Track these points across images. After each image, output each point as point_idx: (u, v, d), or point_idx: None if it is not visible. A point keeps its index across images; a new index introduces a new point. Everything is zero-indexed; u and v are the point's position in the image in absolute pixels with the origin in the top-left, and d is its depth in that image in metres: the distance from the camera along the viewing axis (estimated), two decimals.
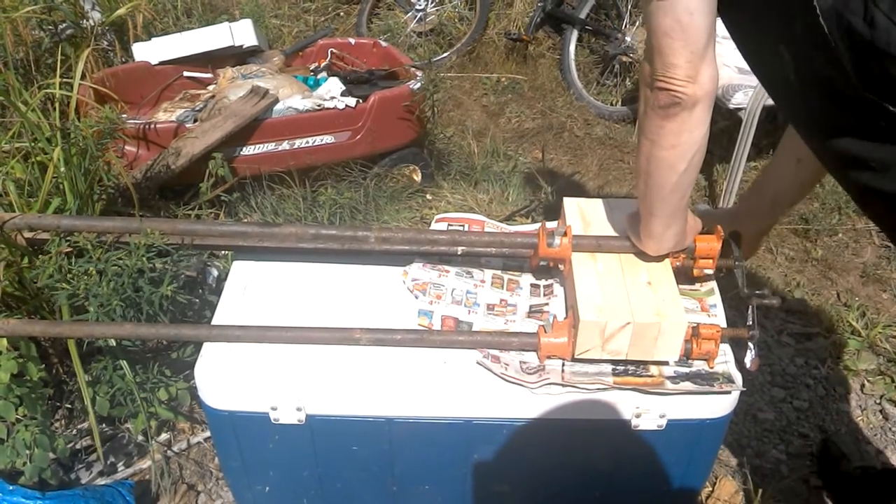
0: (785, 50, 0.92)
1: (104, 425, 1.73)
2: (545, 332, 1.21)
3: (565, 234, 1.26)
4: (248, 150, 2.31)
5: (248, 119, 2.24)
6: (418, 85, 2.45)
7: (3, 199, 1.67)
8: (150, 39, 2.74)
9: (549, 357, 1.22)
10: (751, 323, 1.22)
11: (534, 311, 1.33)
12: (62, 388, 1.74)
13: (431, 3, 3.84)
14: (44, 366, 1.54)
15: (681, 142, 1.02)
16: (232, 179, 2.12)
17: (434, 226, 1.52)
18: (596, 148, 3.22)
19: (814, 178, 1.28)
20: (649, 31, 0.96)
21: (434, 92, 2.50)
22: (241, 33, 2.77)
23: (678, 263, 1.28)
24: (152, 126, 2.22)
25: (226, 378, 1.20)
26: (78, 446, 1.70)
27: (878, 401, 2.00)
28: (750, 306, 1.23)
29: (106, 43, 2.91)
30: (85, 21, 2.83)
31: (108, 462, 1.69)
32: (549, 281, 1.40)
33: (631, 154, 3.14)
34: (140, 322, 1.50)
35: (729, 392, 1.19)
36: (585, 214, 1.38)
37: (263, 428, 1.23)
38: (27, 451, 1.42)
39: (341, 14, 4.07)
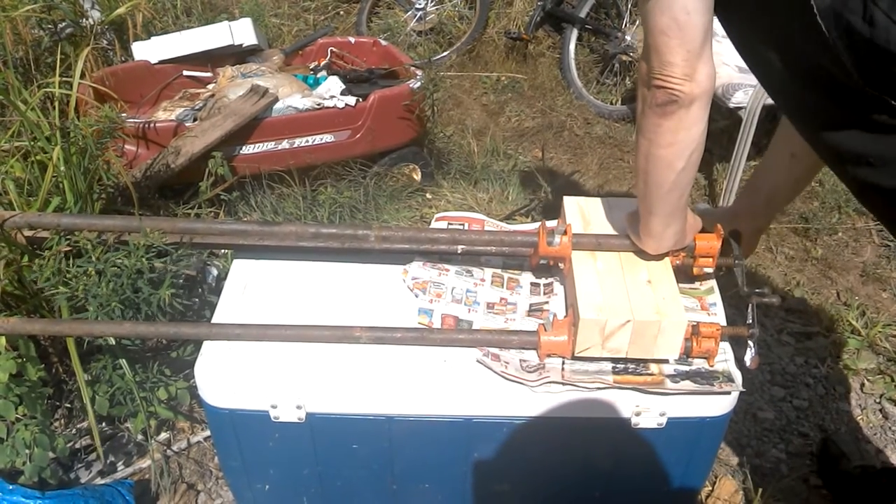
0: (783, 48, 0.92)
1: (104, 425, 1.73)
2: (545, 330, 1.21)
3: (565, 232, 1.26)
4: (248, 149, 2.31)
5: (248, 118, 2.24)
6: (418, 84, 2.45)
7: (2, 199, 1.67)
8: (149, 38, 2.73)
9: (549, 355, 1.22)
10: (751, 321, 1.22)
11: (534, 310, 1.33)
12: (62, 387, 1.74)
13: (431, 2, 3.84)
14: (43, 365, 1.54)
15: (678, 140, 1.02)
16: (231, 178, 2.12)
17: (434, 225, 1.51)
18: (596, 147, 3.22)
19: (808, 174, 1.28)
20: (646, 29, 0.96)
21: (434, 91, 2.50)
22: (241, 32, 2.77)
23: (678, 262, 1.28)
24: (152, 125, 2.22)
25: (226, 376, 1.20)
26: (77, 446, 1.70)
27: (877, 400, 2.00)
28: (750, 305, 1.23)
29: (105, 42, 2.91)
30: (84, 20, 2.82)
31: (108, 461, 1.69)
32: (549, 279, 1.40)
33: (630, 153, 3.14)
34: (139, 321, 1.50)
35: (729, 391, 1.19)
36: (585, 213, 1.38)
37: (263, 426, 1.23)
38: (27, 451, 1.42)
39: (341, 13, 4.07)
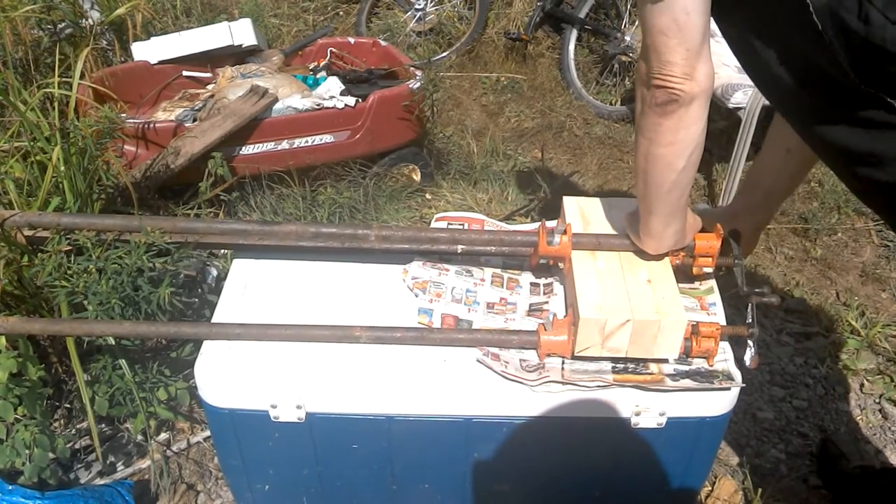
0: (779, 47, 0.93)
1: (103, 425, 1.73)
2: (545, 329, 1.21)
3: (565, 232, 1.26)
4: (248, 150, 2.31)
5: (248, 118, 2.24)
6: (418, 84, 2.45)
7: (2, 198, 1.67)
8: (149, 39, 2.73)
9: (548, 355, 1.22)
10: (750, 321, 1.22)
11: (534, 310, 1.33)
12: (61, 387, 1.74)
13: (431, 2, 3.84)
14: (43, 365, 1.54)
15: (678, 139, 1.02)
16: (231, 179, 2.12)
17: (434, 225, 1.52)
18: (595, 147, 3.22)
19: (804, 168, 1.29)
20: (645, 29, 0.96)
21: (433, 91, 2.50)
22: (241, 32, 2.77)
23: (678, 262, 1.28)
24: (151, 125, 2.22)
25: (226, 376, 1.20)
26: (77, 446, 1.70)
27: (877, 400, 2.00)
28: (749, 304, 1.23)
29: (105, 42, 2.91)
30: (84, 20, 2.83)
31: (108, 462, 1.69)
32: (549, 279, 1.40)
33: (630, 153, 3.15)
34: (139, 320, 1.50)
35: (728, 390, 1.19)
36: (585, 213, 1.38)
37: (263, 426, 1.23)
38: (26, 451, 1.42)
39: (340, 13, 4.07)
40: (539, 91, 3.63)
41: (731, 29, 1.00)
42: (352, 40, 2.95)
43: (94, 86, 2.27)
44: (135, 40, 2.76)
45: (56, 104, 1.94)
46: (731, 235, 1.30)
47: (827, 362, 2.10)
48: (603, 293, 1.19)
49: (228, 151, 2.23)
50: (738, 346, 1.25)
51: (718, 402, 1.21)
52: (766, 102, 2.41)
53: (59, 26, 2.79)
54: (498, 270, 1.42)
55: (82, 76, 2.08)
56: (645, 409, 1.19)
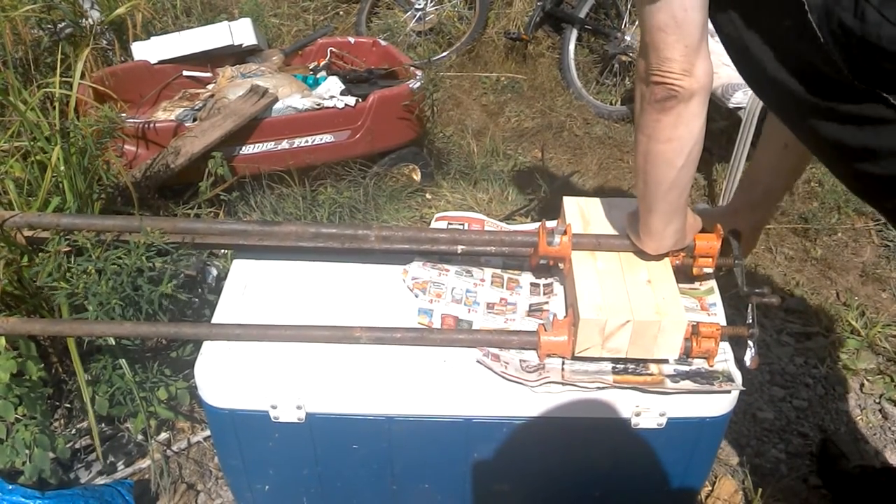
0: (773, 45, 0.94)
1: (103, 425, 1.73)
2: (545, 330, 1.21)
3: (565, 232, 1.26)
4: (248, 149, 2.31)
5: (248, 118, 2.24)
6: (418, 84, 2.45)
7: (2, 199, 1.67)
8: (149, 38, 2.73)
9: (549, 355, 1.22)
10: (750, 321, 1.22)
11: (534, 310, 1.33)
12: (61, 387, 1.74)
13: (431, 2, 3.84)
14: (43, 365, 1.54)
15: (678, 135, 1.02)
16: (231, 178, 2.12)
17: (434, 225, 1.52)
18: (595, 147, 3.22)
19: (801, 163, 1.29)
20: (644, 27, 0.96)
21: (433, 91, 2.50)
22: (241, 32, 2.77)
23: (678, 262, 1.28)
24: (152, 125, 2.22)
25: (226, 376, 1.20)
26: (77, 446, 1.70)
27: (877, 400, 2.00)
28: (749, 305, 1.23)
29: (105, 42, 2.91)
30: (84, 20, 2.82)
31: (108, 461, 1.69)
32: (549, 280, 1.40)
33: (630, 153, 3.14)
34: (140, 320, 1.50)
35: (729, 391, 1.19)
36: (585, 213, 1.38)
37: (263, 426, 1.23)
38: (27, 451, 1.42)
39: (340, 13, 4.07)
40: (539, 91, 3.62)
41: (726, 27, 1.00)
42: (352, 40, 2.95)
43: (94, 85, 2.27)
44: (135, 40, 2.76)
45: (56, 104, 1.94)
46: (731, 235, 1.30)
47: (827, 362, 2.10)
48: (603, 294, 1.19)
49: (228, 151, 2.23)
50: (738, 346, 1.25)
51: (718, 403, 1.21)
52: None
53: (60, 26, 2.79)
54: (498, 271, 1.42)
55: (82, 76, 2.08)
56: (645, 410, 1.19)
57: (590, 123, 3.40)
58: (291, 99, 2.39)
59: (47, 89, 1.99)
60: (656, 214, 1.15)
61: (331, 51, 2.91)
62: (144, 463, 1.70)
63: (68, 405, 1.75)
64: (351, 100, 2.40)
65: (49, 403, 1.68)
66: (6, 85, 1.91)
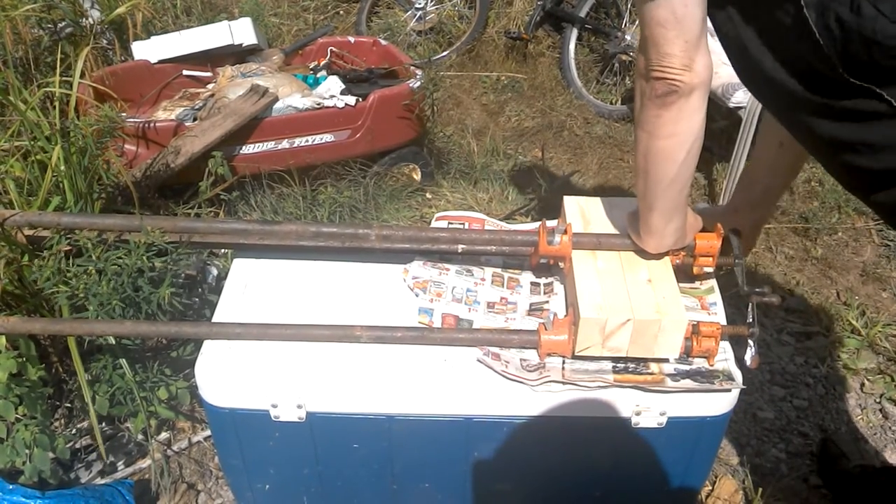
0: (771, 43, 0.94)
1: (104, 424, 1.73)
2: (545, 329, 1.21)
3: (565, 231, 1.26)
4: (248, 149, 2.31)
5: (248, 118, 2.24)
6: (418, 84, 2.45)
7: (2, 198, 1.67)
8: (149, 38, 2.73)
9: (549, 354, 1.22)
10: (751, 321, 1.22)
11: (534, 309, 1.33)
12: (62, 387, 1.74)
13: (431, 1, 3.84)
14: (43, 365, 1.54)
15: (679, 130, 1.02)
16: (231, 178, 2.12)
17: (434, 224, 1.52)
18: (596, 147, 3.22)
19: (799, 161, 1.29)
20: (643, 22, 0.97)
21: (434, 91, 2.50)
22: (241, 32, 2.77)
23: (678, 261, 1.28)
24: (152, 125, 2.22)
25: (226, 375, 1.20)
26: (77, 446, 1.70)
27: (877, 400, 2.00)
28: (750, 304, 1.23)
29: (105, 41, 2.91)
30: (84, 19, 2.82)
31: (108, 461, 1.69)
32: (550, 279, 1.40)
33: (630, 153, 3.14)
34: (140, 320, 1.50)
35: (729, 390, 1.19)
36: (585, 213, 1.38)
37: (264, 425, 1.23)
38: (27, 451, 1.42)
39: (341, 12, 4.07)
40: (539, 90, 3.62)
41: (724, 25, 1.01)
42: (352, 39, 2.95)
43: (94, 85, 2.27)
44: (135, 39, 2.76)
45: (56, 103, 1.94)
46: (731, 234, 1.30)
47: (827, 362, 2.10)
48: (603, 293, 1.19)
49: (229, 151, 2.23)
50: (738, 345, 1.25)
51: (719, 402, 1.21)
52: None
53: (60, 25, 2.79)
54: (498, 270, 1.42)
55: (82, 75, 2.08)
56: (645, 409, 1.19)
57: (590, 123, 3.40)
58: (292, 98, 2.39)
59: (47, 89, 1.99)
60: (657, 212, 1.15)
61: (331, 50, 2.91)
62: (145, 463, 1.70)
63: (68, 405, 1.75)
64: (351, 99, 2.40)
65: (49, 403, 1.68)
66: (6, 84, 1.91)
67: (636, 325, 1.14)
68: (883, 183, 0.95)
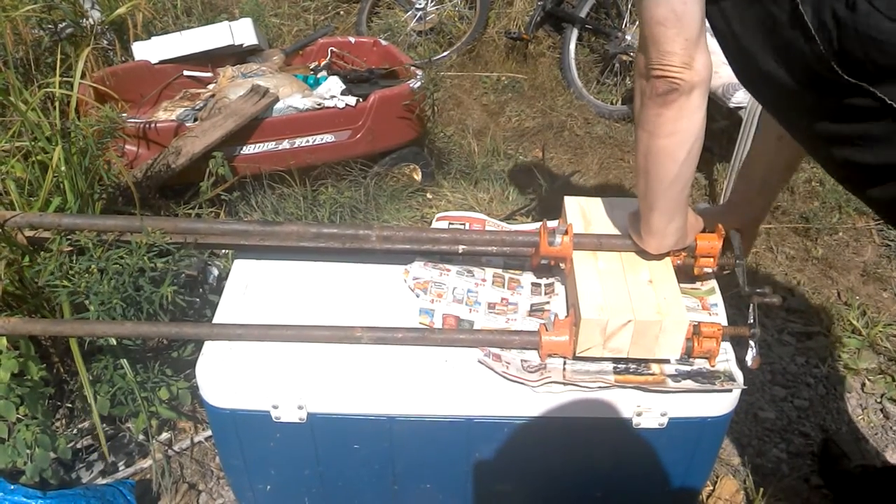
0: (764, 38, 0.95)
1: (105, 425, 1.73)
2: (546, 330, 1.21)
3: (566, 232, 1.26)
4: (249, 149, 2.31)
5: (249, 118, 2.24)
6: (418, 84, 2.45)
7: (3, 199, 1.67)
8: (149, 38, 2.73)
9: (550, 355, 1.22)
10: (752, 321, 1.22)
11: (535, 310, 1.33)
12: (63, 387, 1.74)
13: (431, 1, 3.84)
14: (44, 365, 1.54)
15: (680, 129, 1.02)
16: (232, 178, 2.12)
17: (435, 224, 1.52)
18: (596, 147, 3.22)
19: (797, 155, 1.29)
20: (643, 21, 0.97)
21: (434, 91, 2.50)
22: (241, 32, 2.77)
23: (679, 262, 1.28)
24: (152, 125, 2.22)
25: (227, 376, 1.21)
26: (79, 446, 1.70)
27: (878, 400, 2.00)
28: (751, 304, 1.23)
29: (106, 42, 2.91)
30: (85, 20, 2.83)
31: (109, 461, 1.69)
32: (550, 280, 1.40)
33: (631, 153, 3.14)
34: (141, 320, 1.50)
35: (730, 390, 1.19)
36: (586, 213, 1.38)
37: (265, 426, 1.23)
38: (28, 451, 1.42)
39: (341, 13, 4.07)
40: (540, 90, 3.62)
41: (716, 19, 1.01)
42: (352, 40, 2.95)
43: (94, 85, 2.27)
44: (135, 40, 2.76)
45: (57, 104, 1.94)
46: (732, 235, 1.30)
47: (828, 362, 2.10)
48: (604, 294, 1.19)
49: (229, 151, 2.23)
50: (739, 346, 1.25)
51: (720, 403, 1.21)
52: None
53: (60, 26, 2.79)
54: (499, 271, 1.42)
55: (83, 76, 2.08)
56: (646, 410, 1.19)
57: (590, 123, 3.40)
58: (292, 99, 2.39)
59: (48, 89, 1.99)
60: (658, 212, 1.15)
61: (331, 50, 2.91)
62: (146, 463, 1.70)
63: (69, 405, 1.75)
64: (352, 100, 2.40)
65: (50, 403, 1.68)
66: (7, 85, 1.91)
67: (637, 325, 1.14)
68: (878, 178, 0.95)
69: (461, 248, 1.35)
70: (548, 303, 1.34)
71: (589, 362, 1.22)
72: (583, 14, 3.58)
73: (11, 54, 2.42)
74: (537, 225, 1.33)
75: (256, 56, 2.86)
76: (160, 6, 3.27)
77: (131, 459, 1.72)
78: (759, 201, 1.37)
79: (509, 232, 1.44)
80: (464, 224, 1.50)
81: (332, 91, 2.48)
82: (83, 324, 1.36)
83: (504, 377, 1.19)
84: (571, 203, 1.41)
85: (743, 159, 2.49)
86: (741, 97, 2.52)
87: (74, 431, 1.72)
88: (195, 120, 2.38)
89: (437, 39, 3.84)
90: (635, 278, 1.23)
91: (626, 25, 3.49)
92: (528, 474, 1.33)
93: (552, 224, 1.32)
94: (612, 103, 3.52)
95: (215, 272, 1.94)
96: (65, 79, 2.02)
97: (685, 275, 1.30)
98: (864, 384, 2.04)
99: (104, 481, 1.65)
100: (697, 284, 1.35)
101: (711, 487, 1.71)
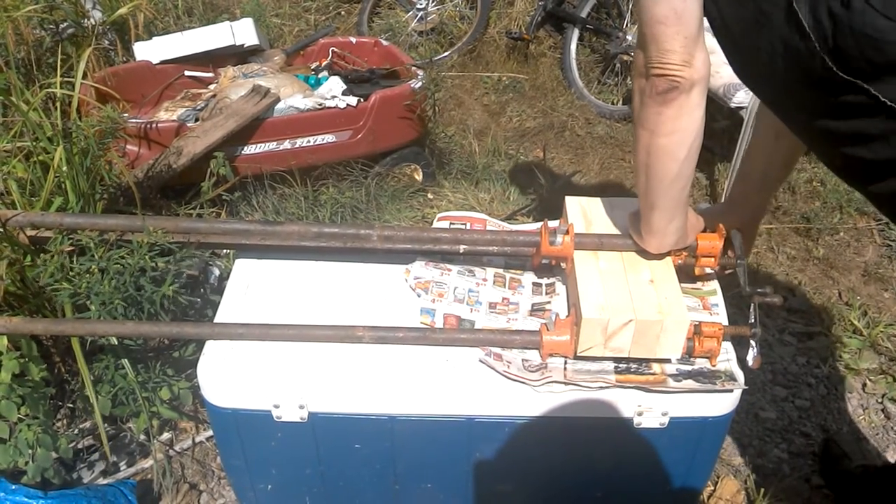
0: (764, 38, 0.95)
1: (106, 425, 1.73)
2: (547, 329, 1.21)
3: (567, 232, 1.26)
4: (250, 150, 2.31)
5: (250, 118, 2.24)
6: (419, 84, 2.45)
7: (5, 199, 1.67)
8: (151, 39, 2.74)
9: (551, 355, 1.23)
10: (753, 321, 1.22)
11: (536, 310, 1.33)
12: (64, 387, 1.74)
13: (432, 2, 3.84)
14: (45, 365, 1.54)
15: (680, 127, 1.03)
16: (233, 179, 2.12)
17: (436, 224, 1.52)
18: (597, 147, 3.22)
19: (795, 151, 1.30)
20: (642, 21, 0.97)
21: (435, 91, 2.50)
22: (242, 32, 2.77)
23: (680, 261, 1.28)
24: (154, 125, 2.22)
25: (228, 376, 1.21)
26: (80, 446, 1.70)
27: (879, 400, 2.00)
28: (752, 304, 1.23)
29: (107, 42, 2.91)
30: (86, 20, 2.83)
31: (111, 461, 1.69)
32: (551, 279, 1.40)
33: (632, 153, 3.14)
34: (142, 320, 1.50)
35: (731, 390, 1.19)
36: (587, 213, 1.38)
37: (266, 426, 1.23)
38: (30, 451, 1.43)
39: (342, 13, 4.07)
40: (541, 91, 3.62)
41: (717, 21, 1.02)
42: (353, 40, 2.95)
43: (96, 85, 2.28)
44: (137, 40, 2.77)
45: (58, 104, 1.94)
46: (733, 235, 1.30)
47: (829, 362, 2.10)
48: (605, 293, 1.19)
49: (230, 151, 2.23)
50: (740, 345, 1.25)
51: (721, 403, 1.21)
52: None
53: (62, 26, 2.79)
54: (500, 270, 1.42)
55: (84, 76, 2.08)
56: (647, 409, 1.19)
57: (591, 123, 3.40)
58: (293, 99, 2.39)
59: (49, 89, 1.99)
60: (658, 211, 1.15)
61: (332, 51, 2.91)
62: (147, 463, 1.70)
63: (71, 405, 1.75)
64: (353, 100, 2.40)
65: (52, 403, 1.68)
66: (9, 85, 1.91)
67: (638, 325, 1.14)
68: (878, 174, 0.96)
69: (462, 247, 1.35)
70: (549, 302, 1.34)
71: (590, 362, 1.22)
72: (584, 14, 3.58)
73: (13, 54, 2.43)
74: (538, 225, 1.33)
75: (257, 56, 2.86)
76: (161, 6, 3.28)
77: (132, 459, 1.72)
78: (759, 198, 1.37)
79: (510, 232, 1.44)
80: (465, 224, 1.50)
81: (333, 91, 2.48)
82: (84, 323, 1.36)
83: (505, 377, 1.19)
84: (572, 203, 1.41)
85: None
86: (742, 97, 2.52)
87: (76, 431, 1.72)
88: (196, 120, 2.39)
89: (438, 39, 3.84)
90: (636, 278, 1.23)
91: (627, 25, 3.49)
92: (529, 474, 1.33)
93: (553, 224, 1.32)
94: (613, 103, 3.52)
95: (216, 272, 1.94)
96: (66, 79, 2.02)
97: (686, 274, 1.30)
98: (865, 384, 2.04)
99: (105, 481, 1.65)
100: (699, 284, 1.35)
101: (712, 488, 1.71)
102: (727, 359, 1.24)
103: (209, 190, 2.05)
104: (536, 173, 2.80)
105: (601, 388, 1.18)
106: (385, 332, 1.23)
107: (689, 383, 1.18)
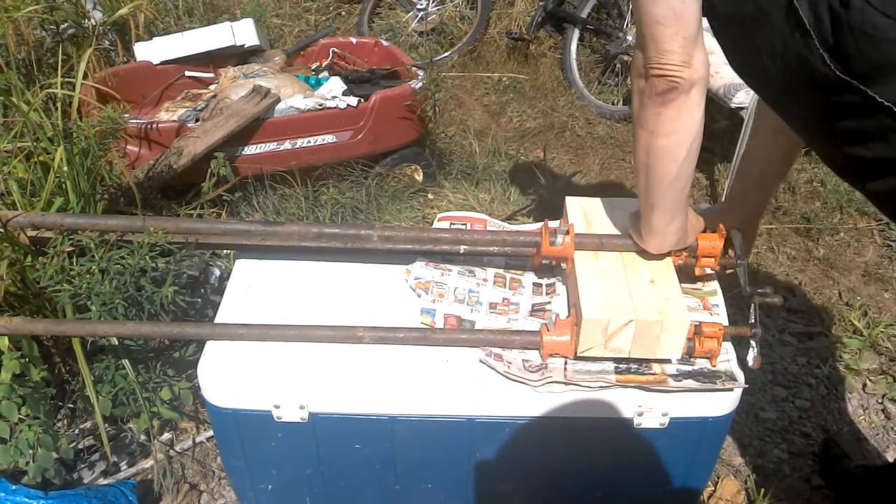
0: (764, 37, 0.95)
1: (107, 425, 1.73)
2: (548, 330, 1.21)
3: (568, 232, 1.26)
4: (250, 150, 2.31)
5: (250, 118, 2.24)
6: (420, 84, 2.45)
7: (6, 199, 1.68)
8: (151, 39, 2.74)
9: (551, 355, 1.23)
10: (753, 321, 1.22)
11: (536, 310, 1.33)
12: (65, 387, 1.74)
13: (433, 2, 3.84)
14: (46, 366, 1.54)
15: (680, 127, 1.03)
16: (234, 179, 2.13)
17: (436, 225, 1.52)
18: (598, 147, 3.22)
19: (794, 148, 1.30)
20: (640, 21, 0.97)
21: (435, 91, 2.50)
22: (243, 33, 2.77)
23: (680, 262, 1.28)
24: (154, 126, 2.22)
25: (229, 376, 1.21)
26: (80, 446, 1.70)
27: (879, 400, 2.00)
28: (752, 304, 1.23)
29: (108, 42, 2.91)
30: (87, 21, 2.83)
31: (111, 462, 1.70)
32: (552, 280, 1.40)
33: (632, 153, 3.14)
34: (142, 321, 1.50)
35: (731, 390, 1.19)
36: (587, 213, 1.38)
37: (266, 426, 1.23)
38: (30, 451, 1.43)
39: (342, 13, 4.08)
40: (541, 91, 3.63)
41: (717, 20, 1.02)
42: (354, 40, 2.95)
43: (96, 86, 2.28)
44: (137, 40, 2.77)
45: (59, 104, 1.94)
46: (733, 235, 1.31)
47: (829, 362, 2.10)
48: (606, 293, 1.19)
49: (231, 152, 2.23)
50: (740, 346, 1.25)
51: (721, 403, 1.21)
52: None
53: (62, 27, 2.79)
54: (500, 271, 1.42)
55: (85, 76, 2.08)
56: (648, 410, 1.19)
57: (592, 123, 3.40)
58: (294, 99, 2.40)
59: (50, 90, 1.99)
60: (658, 211, 1.15)
61: (333, 51, 2.91)
62: (147, 463, 1.70)
63: (71, 405, 1.75)
64: (353, 100, 2.40)
65: (52, 404, 1.68)
66: (9, 86, 1.91)
67: (638, 325, 1.14)
68: (877, 172, 0.96)
69: (462, 248, 1.35)
70: (549, 303, 1.34)
71: (590, 362, 1.22)
72: (584, 14, 3.58)
73: (13, 55, 2.42)
74: (539, 225, 1.33)
75: (258, 57, 2.86)
76: (162, 7, 3.28)
77: (133, 460, 1.73)
78: (759, 196, 1.37)
79: (511, 232, 1.44)
80: (465, 224, 1.50)
81: (333, 91, 2.49)
82: (85, 324, 1.36)
83: (505, 377, 1.19)
84: (573, 203, 1.41)
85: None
86: (742, 98, 2.52)
87: (76, 432, 1.72)
88: (197, 120, 2.39)
89: (438, 40, 3.84)
90: (637, 278, 1.23)
91: (627, 26, 3.49)
92: (530, 474, 1.33)
93: (553, 224, 1.32)
94: (613, 104, 3.52)
95: (217, 272, 1.95)
96: (67, 79, 2.02)
97: (687, 275, 1.30)
98: (865, 384, 2.04)
99: (106, 481, 1.65)
100: (699, 284, 1.35)
101: (713, 488, 1.71)
102: (727, 359, 1.24)
103: (209, 190, 2.06)
104: (537, 173, 2.80)
105: (601, 388, 1.18)
106: (385, 333, 1.23)
107: (690, 383, 1.18)
